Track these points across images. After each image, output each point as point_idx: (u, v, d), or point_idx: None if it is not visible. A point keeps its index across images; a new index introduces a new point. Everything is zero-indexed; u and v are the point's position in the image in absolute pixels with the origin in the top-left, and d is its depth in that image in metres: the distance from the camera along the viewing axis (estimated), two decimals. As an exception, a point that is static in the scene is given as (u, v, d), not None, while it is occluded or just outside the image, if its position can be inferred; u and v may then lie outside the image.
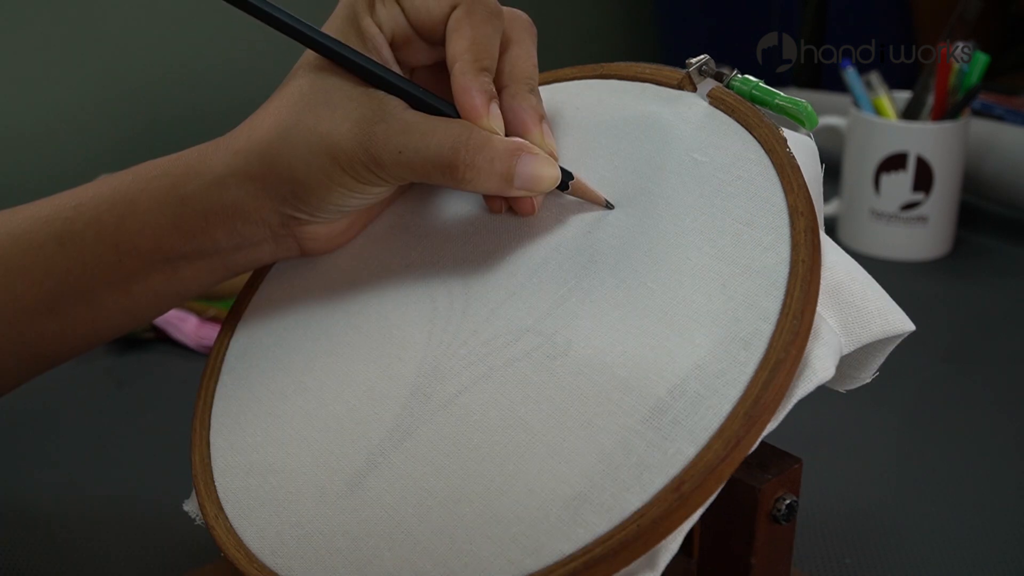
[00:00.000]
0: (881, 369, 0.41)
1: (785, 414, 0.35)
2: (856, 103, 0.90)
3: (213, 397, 0.44)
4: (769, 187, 0.38)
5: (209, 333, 0.75)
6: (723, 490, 0.34)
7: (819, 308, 0.37)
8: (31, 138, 1.07)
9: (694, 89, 0.43)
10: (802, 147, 0.40)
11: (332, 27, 0.42)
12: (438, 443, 0.38)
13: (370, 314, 0.43)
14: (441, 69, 0.42)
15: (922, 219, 0.89)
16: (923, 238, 0.90)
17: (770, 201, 0.38)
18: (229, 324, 0.47)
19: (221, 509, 0.40)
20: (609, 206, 0.42)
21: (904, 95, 0.91)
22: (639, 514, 0.33)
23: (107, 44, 1.12)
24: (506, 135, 0.41)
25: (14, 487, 0.60)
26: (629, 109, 0.44)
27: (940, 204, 0.89)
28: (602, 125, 0.44)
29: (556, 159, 0.42)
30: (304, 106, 0.40)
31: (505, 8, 0.43)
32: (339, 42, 0.41)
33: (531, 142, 0.41)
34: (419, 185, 0.47)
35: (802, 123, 0.40)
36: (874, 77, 0.90)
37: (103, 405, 0.69)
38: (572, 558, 0.33)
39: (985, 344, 0.77)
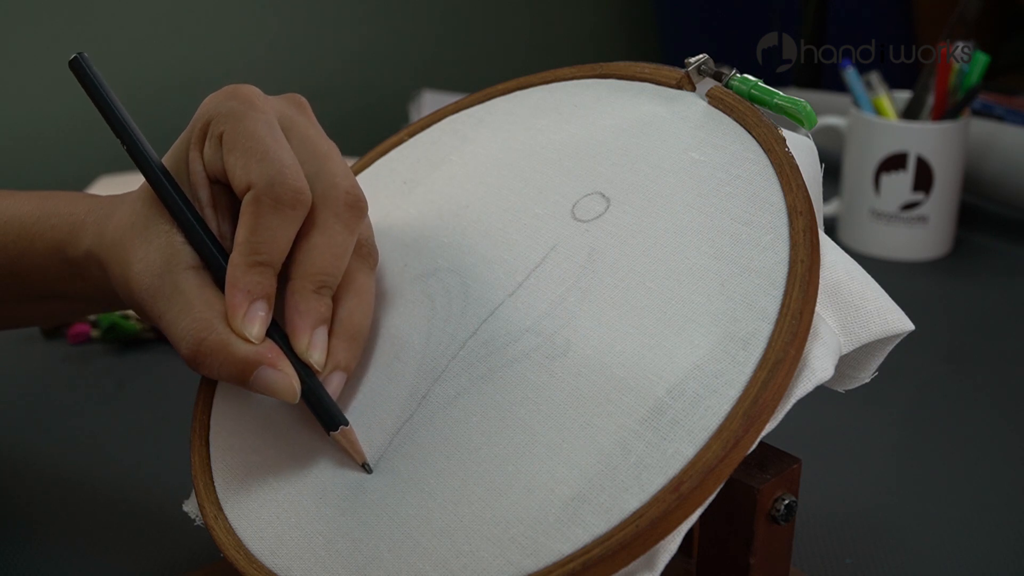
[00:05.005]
0: (881, 369, 0.41)
1: (784, 414, 0.35)
2: (856, 103, 0.90)
3: (213, 398, 0.44)
4: (768, 186, 0.38)
5: (209, 334, 0.75)
6: (722, 490, 0.34)
7: (818, 308, 0.37)
8: (31, 139, 1.07)
9: (693, 88, 0.43)
10: (801, 147, 0.40)
11: (177, 145, 0.42)
12: (438, 445, 0.38)
13: (369, 315, 0.43)
14: None
15: (922, 219, 0.89)
16: (923, 238, 0.90)
17: (769, 200, 0.38)
18: (228, 325, 0.46)
19: (220, 510, 0.40)
20: (367, 469, 0.39)
21: (904, 95, 0.91)
22: (638, 514, 0.33)
23: (107, 45, 1.12)
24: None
25: (13, 487, 0.60)
26: (628, 108, 0.44)
27: (940, 204, 0.89)
28: (601, 124, 0.44)
29: (318, 371, 0.39)
30: (130, 231, 0.41)
31: (322, 140, 0.41)
32: (160, 175, 0.41)
33: (296, 348, 0.39)
34: (416, 191, 0.47)
35: (801, 123, 0.40)
36: (874, 77, 0.90)
37: (103, 405, 0.69)
38: (571, 559, 0.33)
39: (985, 344, 0.77)
